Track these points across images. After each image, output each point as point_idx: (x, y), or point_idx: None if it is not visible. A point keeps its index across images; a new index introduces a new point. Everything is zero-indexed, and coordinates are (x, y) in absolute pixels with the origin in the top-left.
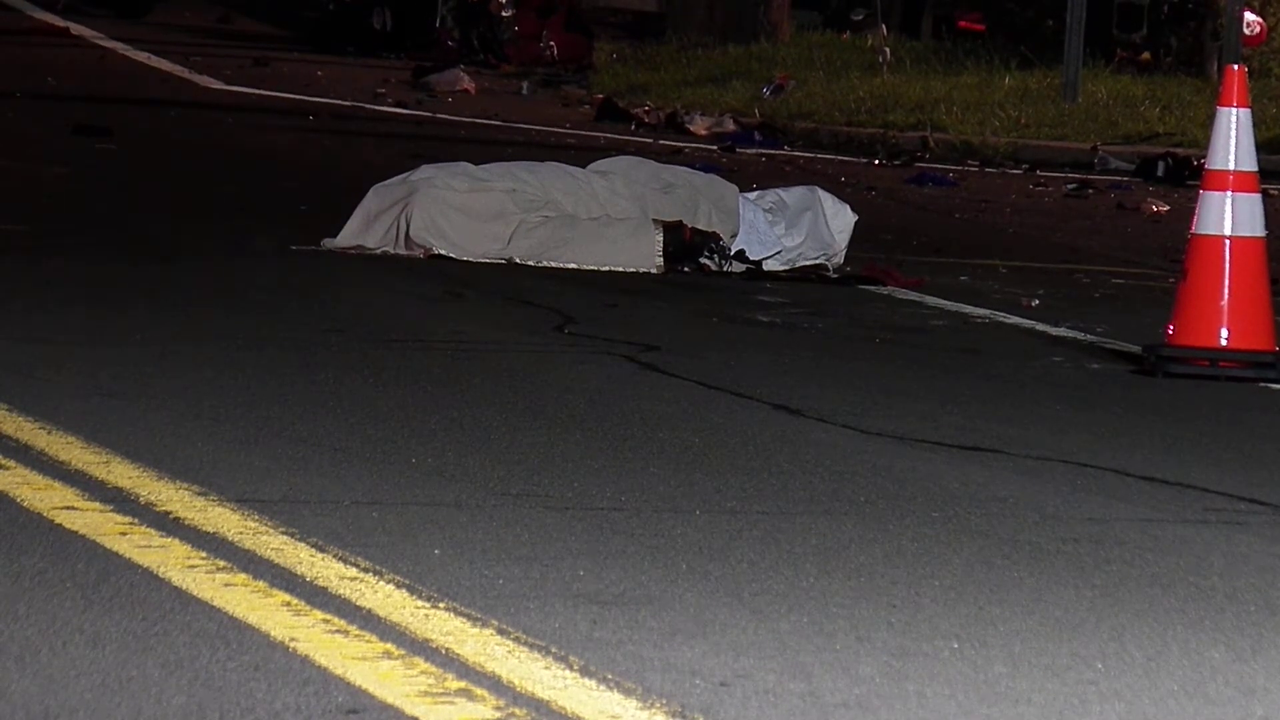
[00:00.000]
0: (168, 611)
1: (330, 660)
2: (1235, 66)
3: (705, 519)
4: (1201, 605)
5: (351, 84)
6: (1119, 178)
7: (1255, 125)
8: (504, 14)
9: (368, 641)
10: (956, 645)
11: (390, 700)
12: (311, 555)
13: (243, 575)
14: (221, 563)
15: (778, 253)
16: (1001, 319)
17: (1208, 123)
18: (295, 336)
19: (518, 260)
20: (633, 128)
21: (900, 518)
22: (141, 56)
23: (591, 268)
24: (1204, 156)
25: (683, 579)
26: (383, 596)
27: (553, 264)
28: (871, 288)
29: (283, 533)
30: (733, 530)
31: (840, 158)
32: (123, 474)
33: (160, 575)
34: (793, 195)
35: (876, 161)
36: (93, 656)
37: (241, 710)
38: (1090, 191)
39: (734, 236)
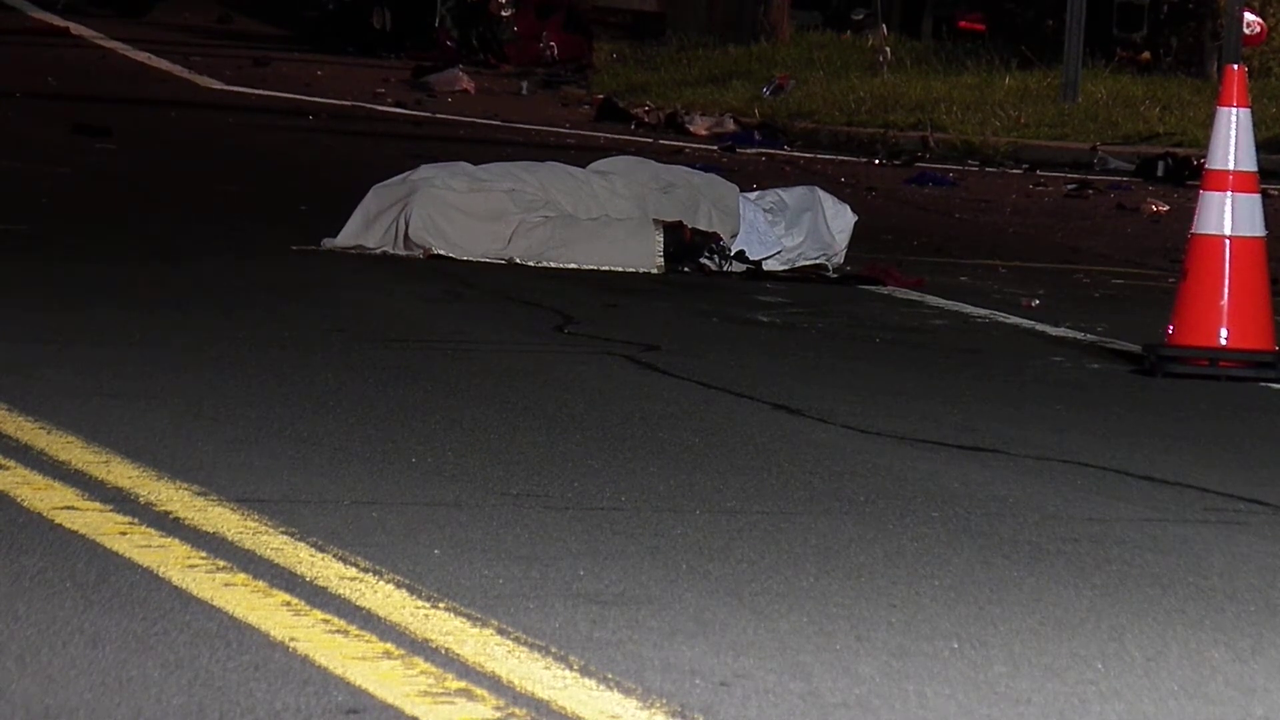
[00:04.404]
0: (168, 611)
1: (330, 660)
2: (1235, 66)
3: (705, 519)
4: (1201, 605)
5: (351, 84)
6: (1119, 178)
7: (1255, 125)
8: (503, 14)
9: (368, 641)
10: (956, 645)
11: (390, 700)
12: (311, 555)
13: (243, 575)
14: (221, 563)
15: (778, 253)
16: (1001, 319)
17: (1208, 123)
18: (295, 336)
19: (518, 260)
20: (633, 128)
21: (900, 518)
22: (141, 56)
23: (591, 268)
24: (1204, 156)
25: (683, 579)
26: (382, 596)
27: (553, 264)
28: (871, 288)
29: (283, 533)
30: (733, 530)
31: (840, 158)
32: (123, 474)
33: (160, 575)
34: (793, 195)
35: (876, 161)
36: (93, 656)
37: (241, 710)
38: (1090, 191)
39: (734, 236)
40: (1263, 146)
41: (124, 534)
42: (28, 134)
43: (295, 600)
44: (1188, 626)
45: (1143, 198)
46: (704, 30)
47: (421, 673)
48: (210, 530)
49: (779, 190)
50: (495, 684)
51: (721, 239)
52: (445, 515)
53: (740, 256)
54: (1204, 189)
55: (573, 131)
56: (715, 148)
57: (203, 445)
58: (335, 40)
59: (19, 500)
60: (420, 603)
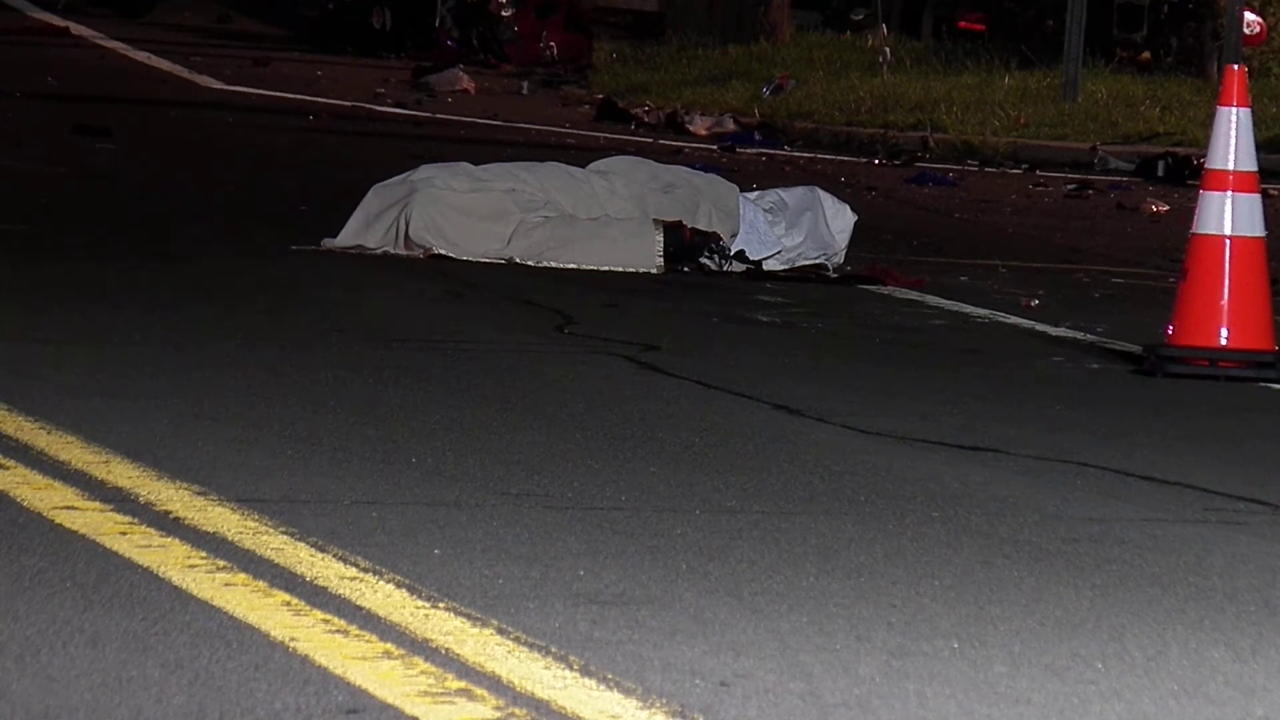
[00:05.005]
0: (168, 611)
1: (330, 660)
2: (1235, 66)
3: (705, 519)
4: (1201, 605)
5: (351, 84)
6: (1119, 178)
7: (1255, 125)
8: (503, 14)
9: (368, 641)
10: (956, 645)
11: (390, 700)
12: (311, 555)
13: (243, 575)
14: (221, 562)
15: (778, 253)
16: (1001, 319)
17: (1208, 123)
18: (295, 336)
19: (518, 260)
20: (633, 128)
21: (900, 518)
22: (141, 56)
23: (591, 268)
24: (1204, 156)
25: (683, 579)
26: (383, 596)
27: (553, 264)
28: (871, 288)
29: (283, 533)
30: (733, 530)
31: (840, 158)
32: (123, 474)
33: (160, 575)
34: (793, 195)
35: (876, 161)
36: (93, 656)
37: (241, 710)
38: (1090, 191)
39: (734, 236)
40: (1263, 146)
41: (124, 534)
42: (28, 134)
43: (295, 600)
44: (1188, 626)
45: (1143, 198)
46: (704, 30)
47: (421, 673)
48: (210, 530)
49: (779, 190)
50: (495, 684)
51: (721, 239)
52: (445, 515)
53: (740, 256)
54: (1204, 189)
55: (573, 131)
56: (715, 148)
57: (203, 445)
58: (335, 40)
59: (19, 500)
60: (420, 603)
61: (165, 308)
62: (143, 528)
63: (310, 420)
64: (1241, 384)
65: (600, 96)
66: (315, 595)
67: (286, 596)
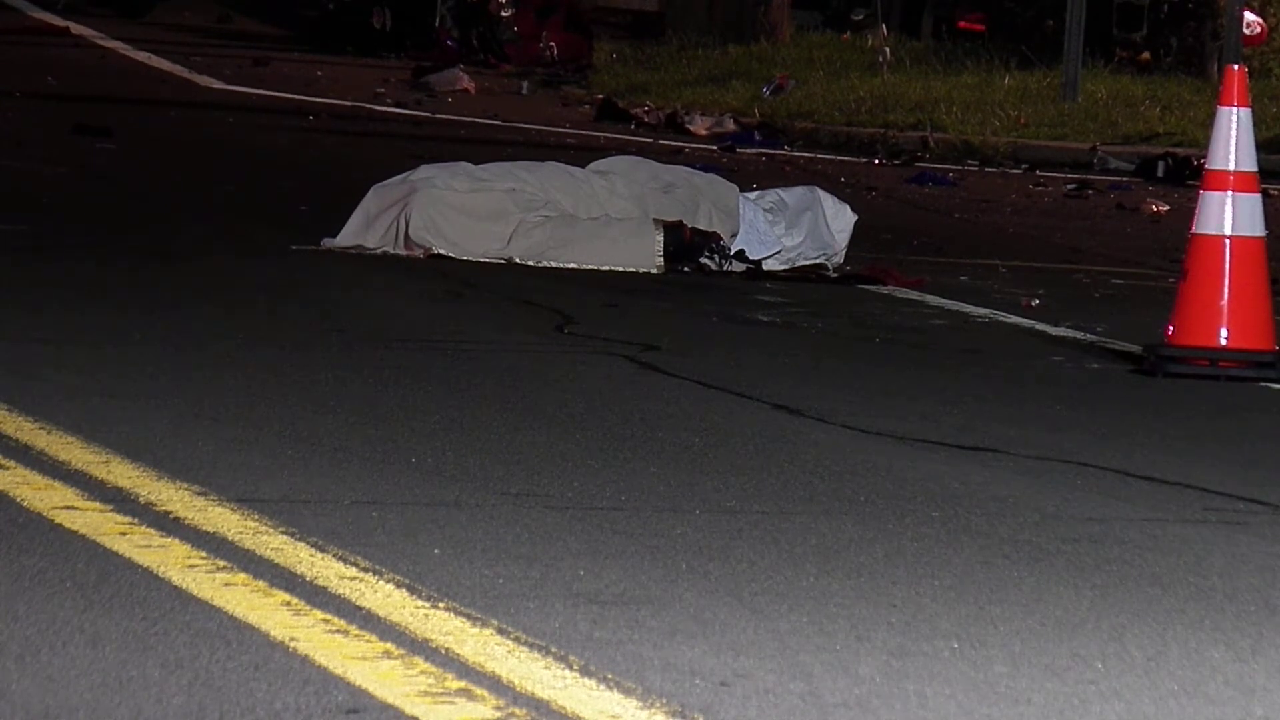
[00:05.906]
0: (168, 611)
1: (330, 660)
2: (1235, 66)
3: (705, 519)
4: (1201, 605)
5: (351, 84)
6: (1119, 178)
7: (1255, 125)
8: (503, 14)
9: (368, 641)
10: (956, 645)
11: (390, 700)
12: (311, 555)
13: (243, 575)
14: (221, 562)
15: (778, 252)
16: (1001, 319)
17: (1208, 123)
18: (295, 336)
19: (518, 260)
20: (633, 127)
21: (900, 518)
22: (141, 56)
23: (591, 268)
24: (1204, 156)
25: (683, 579)
26: (383, 596)
27: (553, 264)
28: (871, 288)
29: (282, 532)
30: (733, 530)
31: (840, 158)
32: (123, 474)
33: (160, 575)
34: (793, 195)
35: (876, 161)
36: (93, 656)
37: (241, 710)
38: (1090, 191)
39: (734, 236)
40: (1263, 146)
41: (124, 534)
42: (28, 134)
43: (295, 600)
44: (1188, 626)
45: (1143, 198)
46: (704, 30)
47: (421, 672)
48: (210, 530)
49: (779, 190)
50: (495, 684)
51: (721, 239)
52: (445, 515)
53: (740, 256)
54: (1204, 189)
55: (573, 131)
56: (715, 148)
57: (203, 445)
58: (335, 40)
59: (19, 500)
60: (420, 603)
61: (165, 308)
62: (143, 528)
63: (310, 420)
64: (1241, 384)
65: (600, 96)
66: (315, 595)
67: (286, 596)
